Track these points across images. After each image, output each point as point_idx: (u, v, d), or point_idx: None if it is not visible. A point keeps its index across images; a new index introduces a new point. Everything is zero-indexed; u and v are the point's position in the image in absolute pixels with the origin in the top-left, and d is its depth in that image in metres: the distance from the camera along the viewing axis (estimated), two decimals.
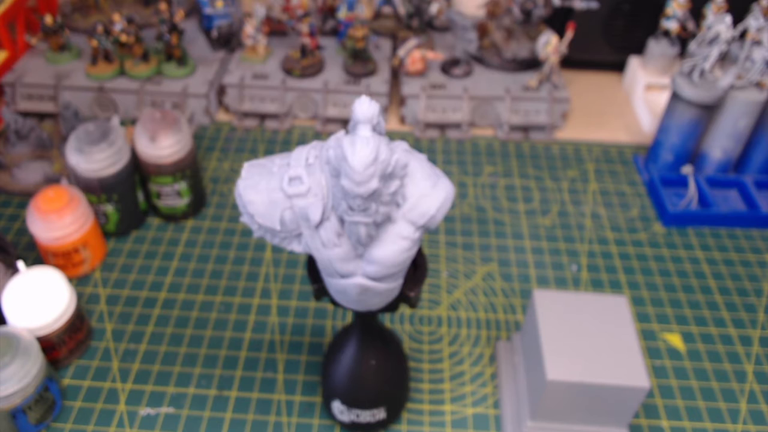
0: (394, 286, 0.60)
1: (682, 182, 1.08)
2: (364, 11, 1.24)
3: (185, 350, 0.85)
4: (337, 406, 0.74)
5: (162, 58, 1.19)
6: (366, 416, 0.74)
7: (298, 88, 1.17)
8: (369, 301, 0.61)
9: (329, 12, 1.30)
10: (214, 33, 1.25)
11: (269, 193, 0.57)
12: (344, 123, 1.19)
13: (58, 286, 0.79)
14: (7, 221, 1.01)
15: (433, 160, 1.14)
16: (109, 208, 0.95)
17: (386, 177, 0.52)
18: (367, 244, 0.56)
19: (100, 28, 1.15)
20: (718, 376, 0.84)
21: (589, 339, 0.69)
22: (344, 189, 0.51)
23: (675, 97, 1.04)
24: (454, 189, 0.60)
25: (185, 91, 1.16)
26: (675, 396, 0.82)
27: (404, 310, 0.89)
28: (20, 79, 1.17)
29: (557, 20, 1.26)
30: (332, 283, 0.60)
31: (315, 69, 1.19)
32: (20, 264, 0.81)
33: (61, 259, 0.89)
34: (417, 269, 0.63)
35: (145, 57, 1.18)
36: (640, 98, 1.25)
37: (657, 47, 1.24)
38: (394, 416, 0.76)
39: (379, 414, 0.74)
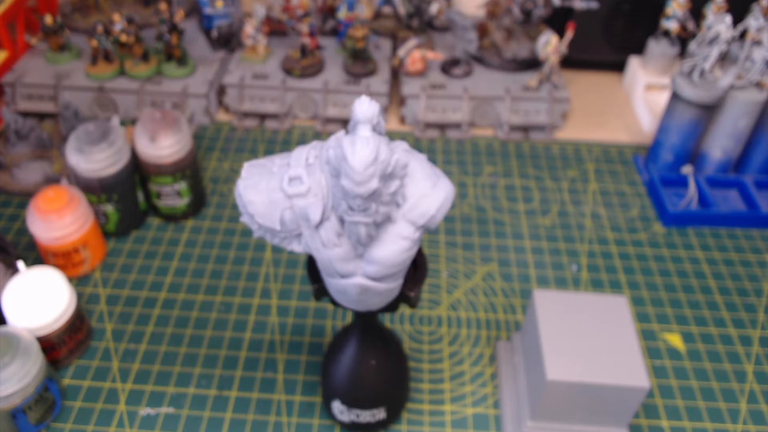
0: (394, 286, 0.60)
1: (682, 182, 1.08)
2: (364, 11, 1.24)
3: (185, 350, 0.85)
4: (337, 406, 0.74)
5: (162, 58, 1.19)
6: (366, 416, 0.74)
7: (298, 88, 1.17)
8: (369, 301, 0.61)
9: (329, 12, 1.30)
10: (214, 33, 1.25)
11: (269, 193, 0.57)
12: (344, 123, 1.19)
13: (58, 286, 0.79)
14: (7, 221, 1.01)
15: (433, 160, 1.14)
16: (109, 208, 0.95)
17: (386, 177, 0.52)
18: (367, 244, 0.56)
19: (100, 28, 1.15)
20: (718, 376, 0.84)
21: (589, 339, 0.69)
22: (344, 189, 0.51)
23: (675, 97, 1.04)
24: (454, 189, 0.60)
25: (185, 91, 1.16)
26: (675, 396, 0.82)
27: (404, 310, 0.89)
28: (20, 79, 1.17)
29: (557, 20, 1.26)
30: (332, 283, 0.60)
31: (315, 69, 1.19)
32: (20, 264, 0.81)
33: (61, 259, 0.89)
34: (417, 269, 0.63)
35: (145, 57, 1.18)
36: (640, 98, 1.25)
37: (657, 47, 1.24)
38: (394, 416, 0.76)
39: (379, 414, 0.74)
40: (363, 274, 0.58)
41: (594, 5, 1.18)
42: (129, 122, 1.17)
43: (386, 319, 0.88)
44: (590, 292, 0.93)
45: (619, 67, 1.34)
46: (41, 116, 1.18)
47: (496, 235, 1.01)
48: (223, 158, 1.13)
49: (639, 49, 1.29)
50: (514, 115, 1.18)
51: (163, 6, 1.14)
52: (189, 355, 0.84)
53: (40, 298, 0.77)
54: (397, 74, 1.28)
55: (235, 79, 1.18)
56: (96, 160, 0.90)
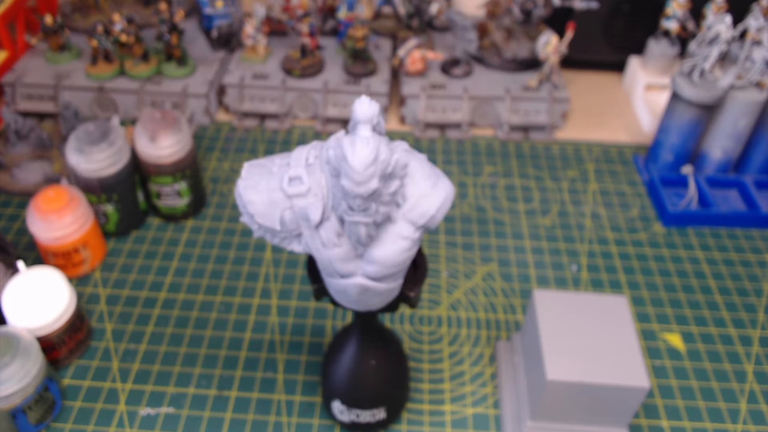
0: (394, 286, 0.60)
1: (682, 182, 1.08)
2: (364, 11, 1.24)
3: (185, 350, 0.85)
4: (337, 406, 0.74)
5: (162, 58, 1.19)
6: (366, 416, 0.74)
7: (298, 88, 1.17)
8: (369, 301, 0.61)
9: (329, 12, 1.30)
10: (214, 33, 1.25)
11: (269, 193, 0.57)
12: (344, 123, 1.19)
13: (58, 286, 0.79)
14: (7, 221, 1.01)
15: (433, 160, 1.14)
16: (109, 208, 0.95)
17: (386, 177, 0.52)
18: (367, 244, 0.56)
19: (100, 28, 1.15)
20: (718, 376, 0.84)
21: (589, 339, 0.69)
22: (344, 189, 0.51)
23: (675, 97, 1.04)
24: (454, 189, 0.60)
25: (185, 91, 1.16)
26: (675, 396, 0.82)
27: (404, 310, 0.89)
28: (20, 79, 1.17)
29: (557, 20, 1.26)
30: (332, 283, 0.60)
31: (315, 69, 1.19)
32: (20, 264, 0.81)
33: (61, 259, 0.89)
34: (417, 269, 0.63)
35: (145, 57, 1.18)
36: (640, 98, 1.25)
37: (657, 47, 1.24)
38: (394, 416, 0.76)
39: (379, 414, 0.74)
40: (363, 274, 0.58)
41: (594, 5, 1.18)
42: (129, 122, 1.17)
43: (386, 319, 0.88)
44: (590, 292, 0.93)
45: (619, 67, 1.34)
46: (41, 116, 1.18)
47: (496, 235, 1.01)
48: (223, 158, 1.13)
49: (639, 49, 1.29)
50: (514, 115, 1.18)
51: (163, 6, 1.14)
52: (189, 355, 0.84)
53: (40, 298, 0.77)
54: (397, 74, 1.28)
55: (235, 79, 1.18)
56: (96, 160, 0.90)
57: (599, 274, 0.96)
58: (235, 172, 1.11)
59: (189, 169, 0.97)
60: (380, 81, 1.19)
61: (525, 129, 1.20)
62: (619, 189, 1.10)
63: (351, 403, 0.73)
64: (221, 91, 1.20)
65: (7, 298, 0.77)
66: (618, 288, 0.94)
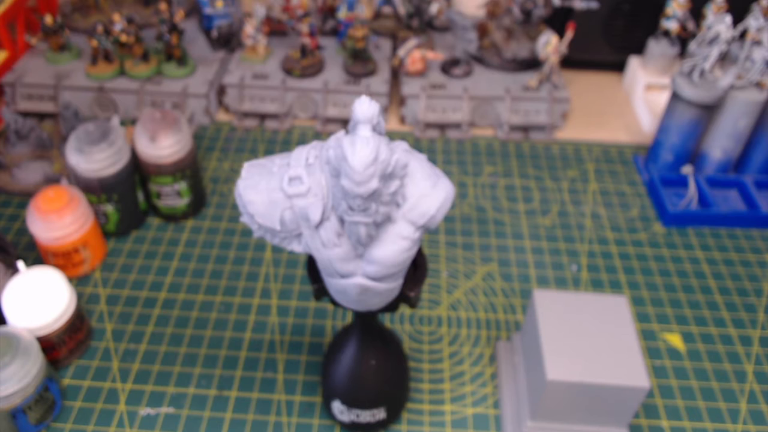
0: (394, 286, 0.60)
1: (682, 182, 1.08)
2: (364, 11, 1.24)
3: (185, 350, 0.85)
4: (337, 406, 0.74)
5: (162, 58, 1.19)
6: (366, 416, 0.74)
7: (298, 88, 1.17)
8: (369, 301, 0.61)
9: (329, 12, 1.30)
10: (214, 33, 1.25)
11: (269, 193, 0.57)
12: (344, 123, 1.19)
13: (58, 286, 0.79)
14: (7, 221, 1.01)
15: (433, 160, 1.14)
16: (109, 208, 0.95)
17: (386, 177, 0.52)
18: (367, 244, 0.56)
19: (100, 28, 1.15)
20: (718, 376, 0.84)
21: (589, 339, 0.69)
22: (344, 189, 0.51)
23: (675, 97, 1.04)
24: (454, 189, 0.60)
25: (185, 91, 1.16)
26: (675, 396, 0.82)
27: (404, 310, 0.89)
28: (20, 79, 1.17)
29: (557, 20, 1.26)
30: (332, 283, 0.60)
31: (315, 69, 1.19)
32: (20, 264, 0.81)
33: (61, 259, 0.89)
34: (417, 269, 0.63)
35: (145, 57, 1.18)
36: (640, 98, 1.25)
37: (657, 47, 1.24)
38: (394, 416, 0.76)
39: (379, 414, 0.74)
40: (363, 274, 0.58)
41: (594, 5, 1.18)
42: (129, 122, 1.17)
43: (386, 319, 0.88)
44: (590, 292, 0.93)
45: (619, 67, 1.34)
46: (41, 116, 1.18)
47: (496, 235, 1.01)
48: (223, 158, 1.13)
49: (639, 49, 1.29)
50: (514, 115, 1.18)
51: (163, 6, 1.14)
52: (189, 355, 0.84)
53: (40, 298, 0.77)
54: (397, 74, 1.28)
55: (235, 79, 1.18)
56: (96, 160, 0.90)
57: (599, 274, 0.96)
58: (235, 172, 1.11)
59: (189, 169, 0.97)
60: (380, 81, 1.19)
61: (525, 129, 1.20)
62: (619, 189, 1.10)
63: (351, 403, 0.73)
64: (221, 91, 1.20)
65: (7, 298, 0.77)
66: (618, 288, 0.94)
